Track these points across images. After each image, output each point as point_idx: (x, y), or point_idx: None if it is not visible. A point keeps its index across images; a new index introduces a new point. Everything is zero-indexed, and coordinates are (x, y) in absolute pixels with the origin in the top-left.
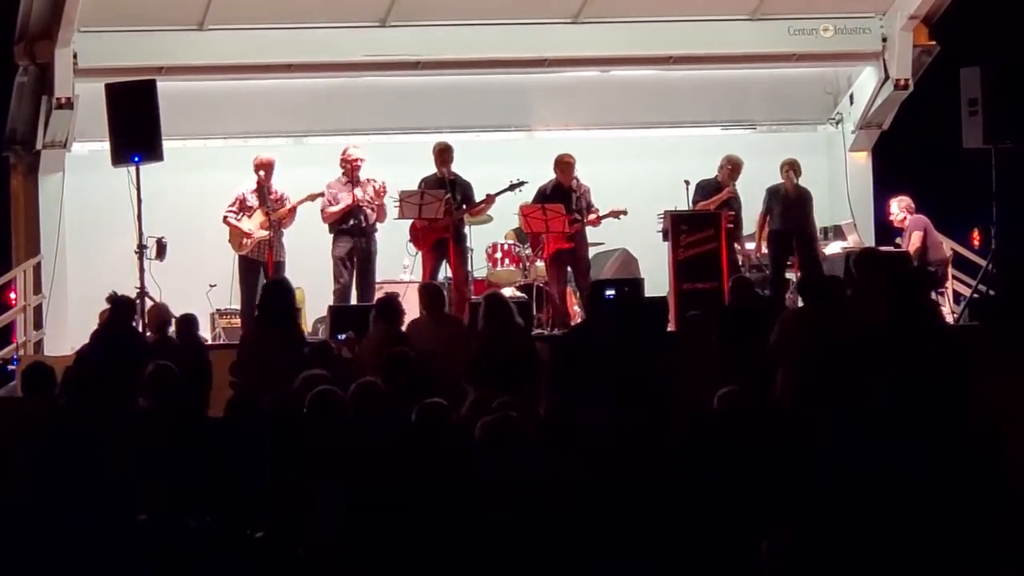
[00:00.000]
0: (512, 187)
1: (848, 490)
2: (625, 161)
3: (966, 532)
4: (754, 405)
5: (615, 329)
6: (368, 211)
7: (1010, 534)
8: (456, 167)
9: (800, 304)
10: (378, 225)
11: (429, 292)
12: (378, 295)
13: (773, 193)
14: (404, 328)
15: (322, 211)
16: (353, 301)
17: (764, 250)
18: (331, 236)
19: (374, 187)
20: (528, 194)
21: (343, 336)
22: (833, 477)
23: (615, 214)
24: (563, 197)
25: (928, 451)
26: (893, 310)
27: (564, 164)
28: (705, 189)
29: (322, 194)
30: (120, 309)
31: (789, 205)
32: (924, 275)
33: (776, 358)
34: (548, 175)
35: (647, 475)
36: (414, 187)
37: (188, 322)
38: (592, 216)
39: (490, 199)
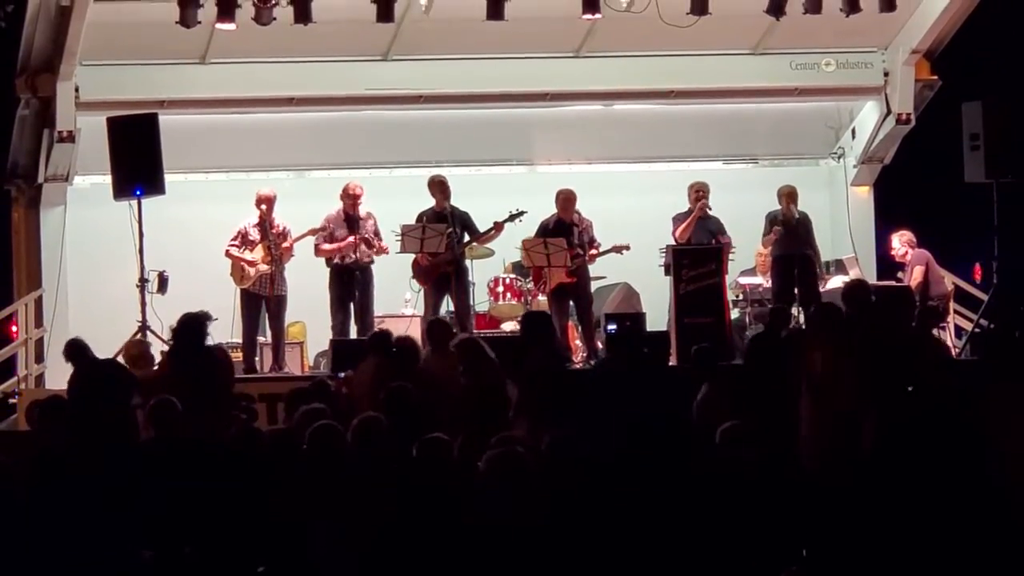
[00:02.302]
0: (512, 217)
1: (861, 523)
2: (627, 195)
3: (977, 563)
4: (758, 439)
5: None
6: (365, 247)
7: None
8: (459, 202)
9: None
10: (378, 258)
11: (432, 328)
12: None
13: (772, 220)
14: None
15: (316, 246)
16: (353, 335)
17: (767, 284)
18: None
19: (369, 230)
20: (527, 226)
21: (343, 374)
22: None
23: (617, 249)
24: (565, 232)
25: (937, 485)
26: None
27: (565, 199)
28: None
29: (323, 228)
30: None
31: (790, 231)
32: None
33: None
34: (550, 209)
35: (653, 509)
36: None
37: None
38: (594, 251)
39: (499, 226)
